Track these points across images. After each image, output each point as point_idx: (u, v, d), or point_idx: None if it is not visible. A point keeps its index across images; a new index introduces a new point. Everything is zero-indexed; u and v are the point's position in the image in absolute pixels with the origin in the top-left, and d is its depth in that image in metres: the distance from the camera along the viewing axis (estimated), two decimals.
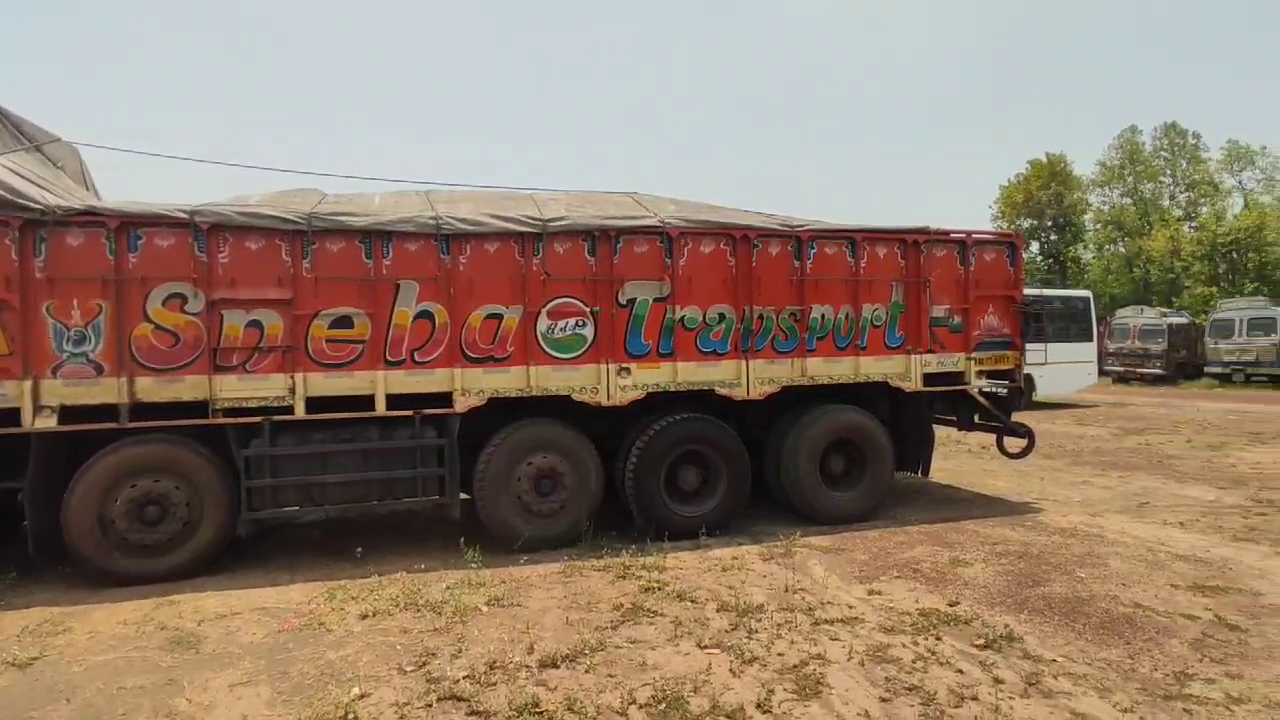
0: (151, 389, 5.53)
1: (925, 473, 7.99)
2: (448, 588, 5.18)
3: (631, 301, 6.43)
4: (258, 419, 5.70)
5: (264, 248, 5.73)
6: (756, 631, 4.41)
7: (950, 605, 4.84)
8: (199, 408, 5.61)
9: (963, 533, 6.62)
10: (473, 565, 5.62)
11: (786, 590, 5.12)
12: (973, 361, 7.44)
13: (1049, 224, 42.72)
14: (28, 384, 5.30)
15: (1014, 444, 7.96)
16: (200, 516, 5.63)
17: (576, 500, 6.31)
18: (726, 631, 4.42)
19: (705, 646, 4.22)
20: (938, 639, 4.30)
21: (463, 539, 5.97)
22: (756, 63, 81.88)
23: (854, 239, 7.03)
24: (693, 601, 4.92)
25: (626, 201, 7.12)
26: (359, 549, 6.05)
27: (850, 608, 4.81)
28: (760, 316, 6.73)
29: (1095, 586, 5.16)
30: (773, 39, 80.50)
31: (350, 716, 3.46)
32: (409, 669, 3.97)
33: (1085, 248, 45.09)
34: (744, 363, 6.71)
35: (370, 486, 5.97)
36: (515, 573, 5.57)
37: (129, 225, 5.51)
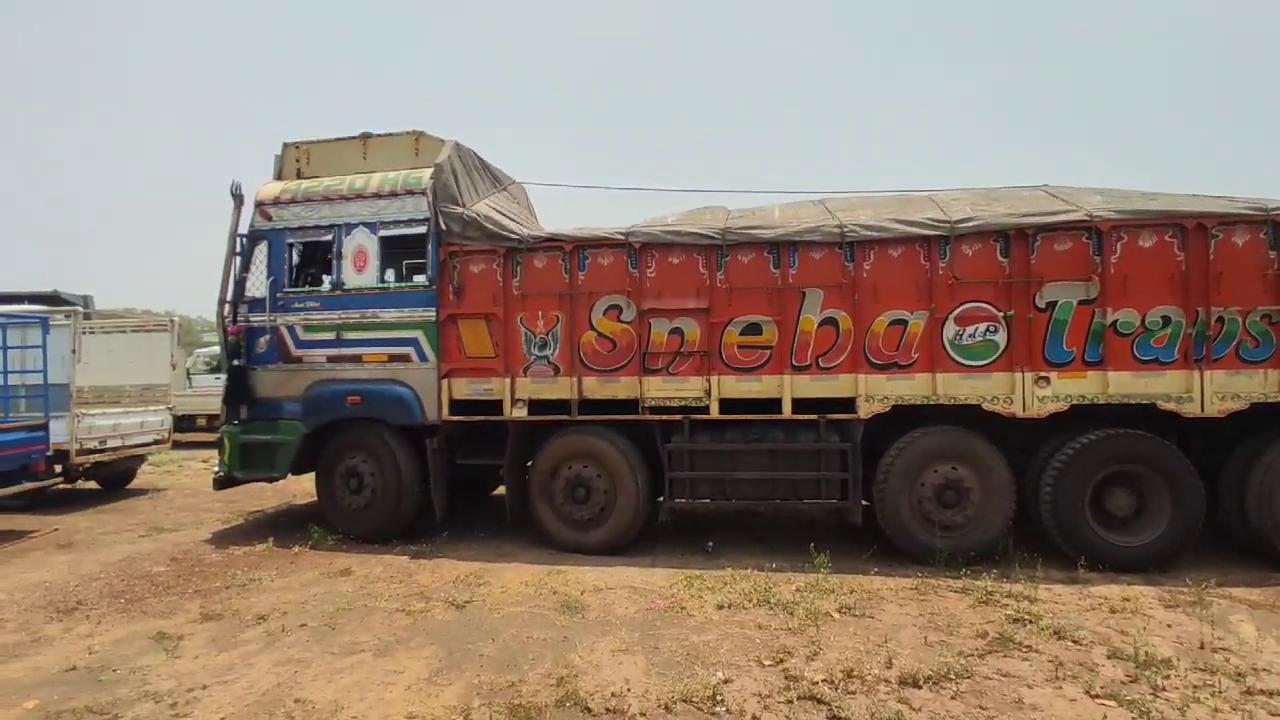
0: (594, 387, 6.53)
1: None
2: (798, 589, 5.25)
3: (1051, 305, 5.91)
4: (678, 417, 6.36)
5: (684, 262, 6.40)
6: (1164, 689, 3.74)
7: None
8: (629, 405, 6.45)
9: None
10: (822, 570, 5.62)
11: (1202, 647, 4.26)
12: None
13: None
14: (508, 381, 6.66)
15: None
16: (613, 501, 6.44)
17: (985, 515, 5.92)
18: (1123, 683, 3.82)
19: (1097, 696, 3.69)
20: None
21: (813, 544, 6.00)
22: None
23: None
24: (1074, 642, 4.35)
25: (1039, 196, 6.50)
26: (710, 543, 6.42)
27: None
28: (1220, 319, 5.71)
29: None
30: None
31: (717, 698, 3.68)
32: (767, 663, 4.10)
33: None
34: (1197, 374, 5.72)
35: (776, 485, 6.28)
36: (865, 583, 5.45)
37: (580, 248, 6.57)
